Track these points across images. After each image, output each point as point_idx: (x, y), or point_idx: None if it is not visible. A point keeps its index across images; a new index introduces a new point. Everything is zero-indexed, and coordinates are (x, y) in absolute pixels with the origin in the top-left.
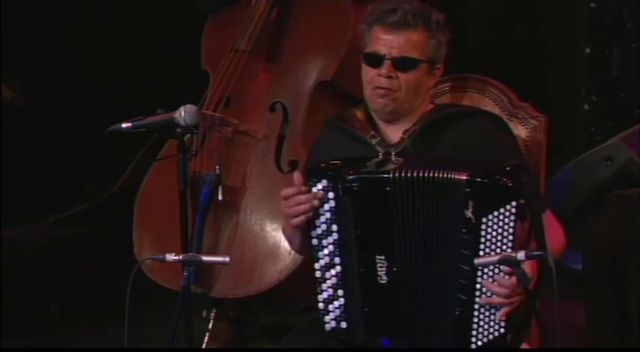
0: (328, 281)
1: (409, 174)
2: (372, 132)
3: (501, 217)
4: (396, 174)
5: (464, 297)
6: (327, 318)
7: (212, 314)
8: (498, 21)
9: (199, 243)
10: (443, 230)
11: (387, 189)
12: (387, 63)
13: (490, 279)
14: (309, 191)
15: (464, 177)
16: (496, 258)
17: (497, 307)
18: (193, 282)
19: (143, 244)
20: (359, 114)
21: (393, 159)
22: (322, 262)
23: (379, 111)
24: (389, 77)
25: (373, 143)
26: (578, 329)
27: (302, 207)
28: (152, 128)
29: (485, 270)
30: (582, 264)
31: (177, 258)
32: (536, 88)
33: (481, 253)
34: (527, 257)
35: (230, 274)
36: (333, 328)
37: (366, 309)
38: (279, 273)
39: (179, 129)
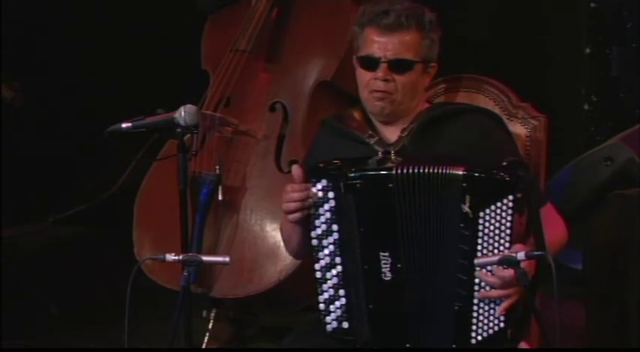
0: (329, 281)
1: (411, 171)
2: (370, 132)
3: (498, 211)
4: (399, 171)
5: (463, 292)
6: (328, 319)
7: (212, 314)
8: (498, 21)
9: (199, 243)
10: (442, 225)
11: (390, 185)
12: (382, 66)
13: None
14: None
15: (460, 172)
16: (496, 257)
17: (496, 301)
18: (193, 282)
19: (143, 244)
20: (356, 114)
21: (393, 158)
22: (323, 262)
23: (377, 114)
24: (385, 80)
25: (371, 143)
26: (578, 329)
27: (292, 205)
28: (152, 128)
29: None
30: (582, 264)
31: (177, 258)
32: (536, 88)
33: (479, 247)
34: (528, 257)
35: (230, 274)
36: (334, 328)
37: (371, 306)
38: (279, 273)
39: (179, 129)
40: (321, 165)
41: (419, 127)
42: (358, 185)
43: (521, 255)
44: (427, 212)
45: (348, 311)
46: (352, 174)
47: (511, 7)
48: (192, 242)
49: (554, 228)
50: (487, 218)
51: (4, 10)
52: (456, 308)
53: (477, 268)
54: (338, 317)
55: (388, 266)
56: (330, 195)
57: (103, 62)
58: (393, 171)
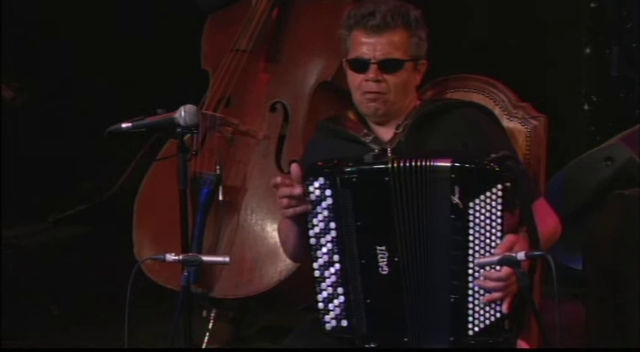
0: (327, 279)
1: (407, 164)
2: (365, 131)
3: (488, 201)
4: (395, 164)
5: (457, 284)
6: (327, 318)
7: (212, 314)
8: (498, 21)
9: (199, 243)
10: (435, 217)
11: (386, 179)
12: (372, 67)
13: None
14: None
15: (448, 164)
16: (496, 257)
17: (491, 292)
18: (193, 282)
19: (143, 244)
20: (351, 115)
21: (389, 154)
22: (321, 261)
23: (371, 115)
24: (377, 81)
25: (367, 141)
26: (578, 329)
27: (285, 201)
28: (152, 128)
29: (478, 255)
30: (582, 264)
31: (177, 258)
32: (536, 88)
33: (470, 238)
34: (528, 257)
35: (230, 274)
36: (333, 327)
37: (369, 301)
38: (280, 274)
39: (179, 129)
40: (318, 163)
41: (413, 123)
42: (355, 179)
43: (521, 255)
44: (421, 205)
45: (346, 309)
46: (349, 169)
47: (511, 7)
48: (192, 242)
49: (546, 220)
50: (477, 208)
51: (4, 10)
52: (452, 299)
53: (470, 258)
54: (337, 315)
55: (385, 260)
56: (328, 192)
57: (103, 62)
58: (389, 165)
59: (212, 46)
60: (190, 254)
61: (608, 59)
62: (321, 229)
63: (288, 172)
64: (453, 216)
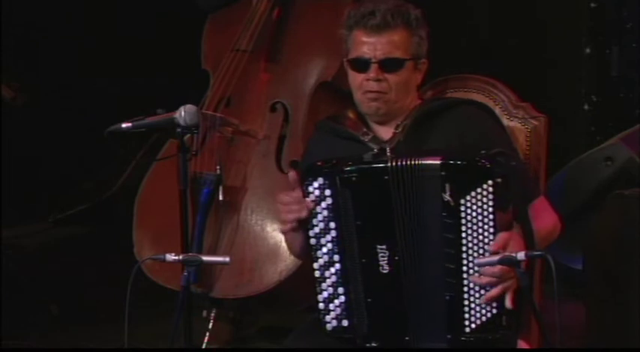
0: (328, 280)
1: (405, 163)
2: (365, 130)
3: (479, 197)
4: (394, 163)
5: (453, 281)
6: (327, 318)
7: (212, 314)
8: (498, 21)
9: (199, 243)
10: (429, 215)
11: (386, 178)
12: (373, 66)
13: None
14: (306, 195)
15: (438, 161)
16: (496, 257)
17: (487, 288)
18: (193, 282)
19: (143, 244)
20: (351, 114)
21: (388, 153)
22: (321, 261)
23: (373, 115)
24: (378, 80)
25: (366, 140)
26: (578, 329)
27: (290, 216)
28: (152, 128)
29: (471, 252)
30: (582, 264)
31: (177, 258)
32: (536, 88)
33: (463, 235)
34: (528, 257)
35: (230, 274)
36: (334, 327)
37: (369, 300)
38: (280, 274)
39: (179, 129)
40: (317, 163)
41: (412, 122)
42: (354, 178)
43: (521, 255)
44: (418, 203)
45: (347, 309)
46: (348, 168)
47: (511, 7)
48: (192, 242)
49: (545, 217)
50: (468, 205)
51: (4, 10)
52: (447, 297)
53: (464, 254)
54: (337, 315)
55: (386, 258)
56: (327, 192)
57: (103, 62)
58: (389, 164)
59: (212, 46)
60: (190, 254)
61: (608, 59)
62: (321, 229)
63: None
64: (444, 214)
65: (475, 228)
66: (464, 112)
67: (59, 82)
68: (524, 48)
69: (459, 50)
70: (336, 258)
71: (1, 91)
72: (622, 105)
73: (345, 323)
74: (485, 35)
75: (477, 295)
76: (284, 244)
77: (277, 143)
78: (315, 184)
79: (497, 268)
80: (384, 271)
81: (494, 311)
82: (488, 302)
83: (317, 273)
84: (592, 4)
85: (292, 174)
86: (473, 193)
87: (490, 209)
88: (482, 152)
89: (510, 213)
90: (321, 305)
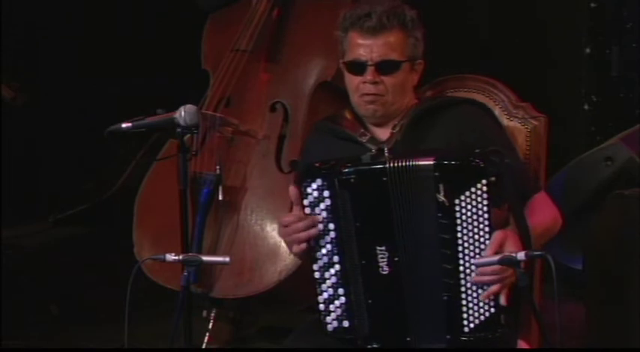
0: (328, 281)
1: (403, 164)
2: (362, 131)
3: (474, 197)
4: (392, 164)
5: (450, 281)
6: (328, 319)
7: (212, 314)
8: (498, 21)
9: (199, 243)
10: (425, 216)
11: (384, 179)
12: (370, 69)
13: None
14: (304, 196)
15: (431, 162)
16: (496, 257)
17: (484, 288)
18: (193, 282)
19: (143, 244)
20: (348, 114)
21: (387, 154)
22: (321, 262)
23: (370, 117)
24: (374, 83)
25: (364, 141)
26: (578, 329)
27: (302, 235)
28: (152, 128)
29: (467, 252)
30: (582, 264)
31: (177, 258)
32: (536, 88)
33: (459, 235)
34: (528, 257)
35: (230, 274)
36: (335, 328)
37: (370, 301)
38: (280, 273)
39: (179, 129)
40: (315, 164)
41: (410, 122)
42: (352, 180)
43: (521, 255)
44: (415, 204)
45: (347, 310)
46: (346, 170)
47: (511, 7)
48: (192, 242)
49: (544, 212)
50: (463, 205)
51: (4, 10)
52: (445, 298)
53: (460, 254)
54: (338, 316)
55: (385, 260)
56: (326, 193)
57: (102, 62)
58: (387, 165)
59: (212, 46)
60: (190, 254)
61: (608, 59)
62: (320, 231)
63: (289, 172)
64: (439, 214)
65: (471, 227)
66: (461, 111)
67: (59, 82)
68: (524, 48)
69: (459, 50)
70: (336, 258)
71: (1, 91)
72: (622, 105)
73: (345, 324)
74: (485, 35)
75: (475, 294)
76: (284, 244)
77: (277, 143)
78: (314, 185)
79: (499, 268)
80: (384, 272)
81: (493, 310)
82: (487, 302)
83: (317, 274)
84: (592, 4)
85: (293, 190)
86: (467, 193)
87: (485, 208)
88: (476, 151)
89: (505, 209)
90: (322, 306)
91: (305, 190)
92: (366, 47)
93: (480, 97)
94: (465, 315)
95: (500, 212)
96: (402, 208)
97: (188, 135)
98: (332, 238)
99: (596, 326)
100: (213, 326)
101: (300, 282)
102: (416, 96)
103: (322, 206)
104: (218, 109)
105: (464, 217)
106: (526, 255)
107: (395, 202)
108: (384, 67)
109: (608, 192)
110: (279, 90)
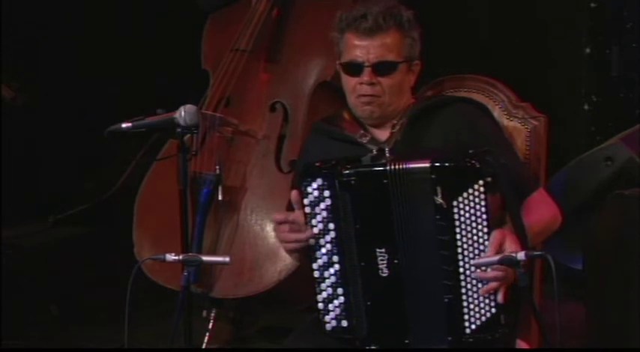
0: (327, 280)
1: (402, 166)
2: (362, 132)
3: (471, 198)
4: (393, 166)
5: (450, 283)
6: (327, 318)
7: (212, 314)
8: (498, 21)
9: (199, 243)
10: (425, 218)
11: (385, 181)
12: (366, 70)
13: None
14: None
15: (427, 165)
16: (496, 257)
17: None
18: (193, 282)
19: (143, 244)
20: (346, 115)
21: (387, 155)
22: (320, 262)
23: (367, 118)
24: (371, 84)
25: (364, 142)
26: (578, 329)
27: (290, 236)
28: (152, 128)
29: (467, 253)
30: (582, 264)
31: (177, 258)
32: (536, 88)
33: (458, 236)
34: (528, 257)
35: (230, 274)
36: (333, 327)
37: (369, 303)
38: (279, 273)
39: (179, 129)
40: (316, 164)
41: (408, 121)
42: (353, 182)
43: (521, 255)
44: (415, 206)
45: (346, 310)
46: (347, 171)
47: (511, 7)
48: (192, 242)
49: (542, 209)
50: (461, 206)
51: (4, 10)
52: (446, 300)
53: (460, 256)
54: (337, 315)
55: (385, 262)
56: (326, 193)
57: (102, 62)
58: (388, 167)
59: (212, 46)
60: (190, 254)
61: (608, 59)
62: (320, 230)
63: (288, 172)
64: (437, 216)
65: (469, 229)
66: (459, 110)
67: (59, 82)
68: (524, 48)
69: (459, 50)
70: (335, 258)
71: (1, 91)
72: (622, 105)
73: (344, 323)
74: (485, 35)
75: (476, 295)
76: None
77: (277, 143)
78: (314, 185)
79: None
80: (384, 274)
81: (493, 310)
82: (487, 302)
83: (316, 273)
84: (592, 4)
85: (294, 194)
86: (464, 194)
87: (483, 209)
88: (471, 151)
89: (501, 208)
90: (321, 305)
91: (305, 189)
92: (362, 48)
93: (479, 97)
94: (466, 317)
95: (496, 210)
96: (402, 210)
97: (188, 135)
98: (332, 238)
99: (596, 326)
100: (213, 326)
101: (300, 282)
102: (413, 97)
103: (322, 205)
104: (218, 109)
105: (462, 219)
106: (526, 255)
107: (395, 204)
108: (381, 68)
109: (608, 192)
110: (279, 90)
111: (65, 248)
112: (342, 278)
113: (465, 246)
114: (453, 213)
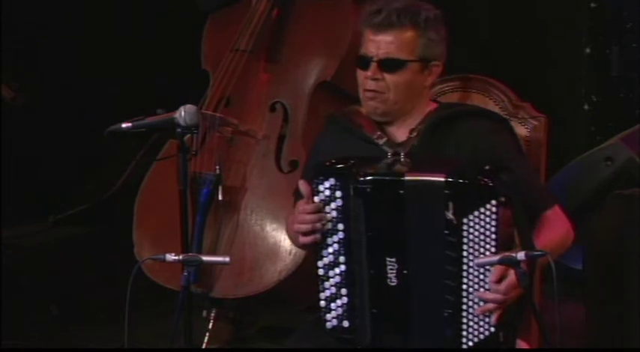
0: (331, 279)
1: (419, 177)
2: (379, 133)
3: (482, 217)
4: (409, 177)
5: (451, 298)
6: (328, 316)
7: (212, 314)
8: (498, 21)
9: (199, 243)
10: (434, 232)
11: (401, 192)
12: (373, 65)
13: (477, 282)
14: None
15: (442, 179)
16: (496, 258)
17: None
18: (193, 282)
19: (143, 244)
20: (362, 109)
21: (402, 159)
22: (326, 260)
23: (371, 113)
24: (375, 79)
25: (380, 144)
26: (578, 329)
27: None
28: (152, 128)
29: (471, 270)
30: (582, 264)
31: (177, 258)
32: (536, 88)
33: (464, 254)
34: (528, 257)
35: (230, 274)
36: (334, 326)
37: (374, 310)
38: (279, 273)
39: (179, 129)
40: (329, 163)
41: (427, 128)
42: (369, 190)
43: (521, 255)
44: (428, 218)
45: (348, 311)
46: (362, 178)
47: (511, 7)
48: (192, 242)
49: (553, 229)
50: (471, 224)
51: (4, 10)
52: (446, 314)
53: (465, 273)
54: (338, 315)
55: (394, 271)
56: (338, 194)
57: (102, 62)
58: (405, 178)
59: (212, 46)
60: (190, 254)
61: (608, 59)
62: (328, 229)
63: (288, 172)
64: (447, 232)
65: (477, 247)
66: (479, 124)
67: (59, 82)
68: (524, 48)
69: (459, 50)
70: (342, 259)
71: (1, 91)
72: (622, 105)
73: (345, 323)
74: (485, 35)
75: (475, 313)
76: (284, 244)
77: (277, 143)
78: (327, 184)
79: (503, 286)
80: (392, 283)
81: (492, 329)
82: (487, 321)
83: (320, 271)
84: (592, 4)
85: (305, 187)
86: (476, 212)
87: (493, 229)
88: (486, 168)
89: (512, 225)
90: (323, 303)
91: (317, 188)
92: (374, 43)
93: (479, 97)
94: (464, 332)
95: (506, 229)
96: (414, 221)
97: (188, 135)
98: (340, 238)
99: (596, 326)
100: (213, 326)
101: (300, 282)
102: (433, 99)
103: (333, 205)
104: (218, 109)
105: (471, 236)
106: (526, 255)
107: (408, 215)
108: (387, 64)
109: (608, 192)
110: (279, 90)
111: (65, 248)
112: (346, 280)
113: (471, 264)
114: (462, 230)
